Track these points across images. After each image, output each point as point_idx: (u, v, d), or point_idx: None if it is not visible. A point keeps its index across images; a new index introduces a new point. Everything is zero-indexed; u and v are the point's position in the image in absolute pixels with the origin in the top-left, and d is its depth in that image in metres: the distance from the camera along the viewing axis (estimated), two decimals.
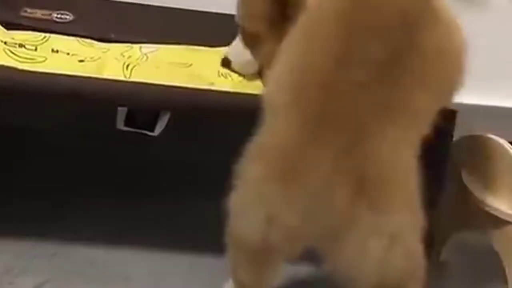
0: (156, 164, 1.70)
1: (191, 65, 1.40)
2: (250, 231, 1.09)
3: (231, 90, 1.33)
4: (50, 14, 1.55)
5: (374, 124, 1.02)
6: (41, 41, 1.41)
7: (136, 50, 1.44)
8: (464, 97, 1.90)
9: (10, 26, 1.45)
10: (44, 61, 1.34)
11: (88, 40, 1.45)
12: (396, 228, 1.05)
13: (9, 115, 1.35)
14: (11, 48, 1.35)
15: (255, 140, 1.07)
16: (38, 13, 1.55)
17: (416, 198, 1.05)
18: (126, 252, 1.41)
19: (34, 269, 1.34)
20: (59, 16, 1.55)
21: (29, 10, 1.55)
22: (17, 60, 1.32)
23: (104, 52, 1.41)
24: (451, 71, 1.13)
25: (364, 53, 1.02)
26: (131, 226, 1.47)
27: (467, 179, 1.37)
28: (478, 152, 1.36)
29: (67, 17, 1.55)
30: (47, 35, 1.43)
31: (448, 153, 1.27)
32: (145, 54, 1.43)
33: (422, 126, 1.07)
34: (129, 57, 1.40)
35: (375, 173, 1.02)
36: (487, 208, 1.33)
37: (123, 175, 1.66)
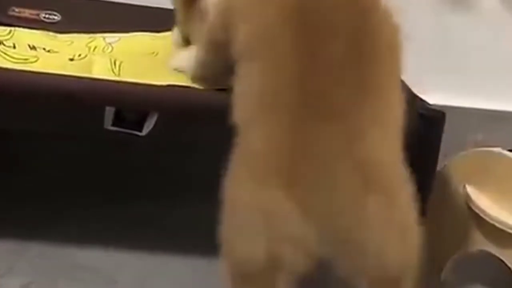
0: (144, 165, 1.69)
1: (157, 54, 1.43)
2: (252, 250, 1.00)
3: None
4: (38, 14, 1.54)
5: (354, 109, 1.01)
6: (9, 36, 1.41)
7: (99, 40, 1.45)
8: (456, 100, 1.92)
9: None
10: (36, 60, 1.33)
11: (52, 33, 1.45)
12: (403, 218, 1.04)
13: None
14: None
15: (239, 149, 1.03)
16: (27, 13, 1.54)
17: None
18: (114, 254, 1.40)
19: (20, 270, 1.33)
20: (47, 16, 1.54)
21: (17, 9, 1.55)
22: (12, 62, 1.31)
23: (68, 45, 1.41)
24: (397, 67, 1.11)
25: (328, 53, 1.01)
26: (119, 228, 1.47)
27: (473, 195, 1.34)
28: (486, 167, 1.33)
29: (55, 17, 1.55)
30: (12, 29, 1.44)
31: (436, 158, 1.26)
32: (109, 43, 1.44)
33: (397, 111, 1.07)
34: (95, 47, 1.41)
35: (373, 158, 1.00)
36: (498, 225, 1.30)
37: (110, 176, 1.65)
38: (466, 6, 1.92)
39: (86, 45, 1.45)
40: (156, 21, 1.57)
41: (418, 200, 1.25)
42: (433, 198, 1.29)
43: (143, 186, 1.63)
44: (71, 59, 1.37)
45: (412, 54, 1.89)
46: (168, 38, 1.50)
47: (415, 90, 1.40)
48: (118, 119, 1.26)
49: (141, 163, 1.71)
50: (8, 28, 1.44)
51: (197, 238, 1.45)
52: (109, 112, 1.24)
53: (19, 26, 1.46)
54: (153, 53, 1.44)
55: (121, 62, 1.36)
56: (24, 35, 1.43)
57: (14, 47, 1.39)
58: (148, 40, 1.51)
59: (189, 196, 1.60)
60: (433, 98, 1.42)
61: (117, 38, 1.48)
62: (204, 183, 1.66)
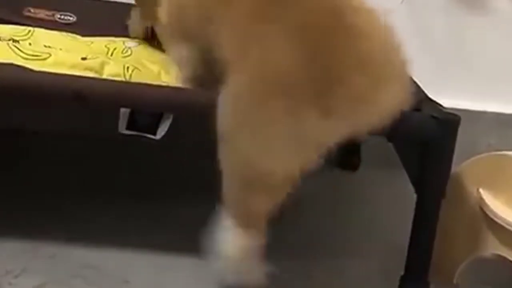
0: (156, 163, 1.70)
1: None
2: (282, 165, 1.10)
3: None
4: (54, 15, 1.55)
5: None
6: (27, 36, 1.42)
7: (119, 43, 1.45)
8: (469, 103, 1.91)
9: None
10: (48, 57, 1.34)
11: (72, 34, 1.46)
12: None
13: (9, 116, 1.34)
14: (10, 44, 1.35)
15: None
16: (42, 13, 1.55)
17: None
18: (126, 255, 1.40)
19: (33, 270, 1.34)
20: (62, 16, 1.55)
21: (32, 10, 1.55)
22: (23, 58, 1.31)
23: (87, 45, 1.42)
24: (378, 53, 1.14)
25: None
26: (132, 228, 1.47)
27: (487, 198, 1.33)
28: (500, 170, 1.33)
29: (70, 18, 1.55)
30: (31, 29, 1.44)
31: (450, 162, 1.25)
32: (129, 47, 1.44)
33: None
34: (114, 49, 1.41)
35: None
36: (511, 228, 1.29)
37: (122, 175, 1.65)
38: (480, 8, 1.91)
39: (105, 46, 1.45)
40: None
41: (432, 204, 1.26)
42: (447, 202, 1.29)
43: (155, 185, 1.63)
44: (84, 58, 1.37)
45: (425, 56, 1.91)
46: None
47: (429, 93, 1.40)
48: (132, 123, 1.26)
49: (153, 162, 1.71)
50: (28, 28, 1.44)
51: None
52: (124, 116, 1.24)
53: (36, 27, 1.46)
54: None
55: (134, 68, 1.36)
56: (42, 36, 1.44)
57: (30, 44, 1.39)
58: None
59: (204, 197, 1.60)
60: (447, 100, 1.42)
61: (137, 43, 1.48)
62: (213, 184, 1.68)
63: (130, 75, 1.35)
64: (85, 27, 1.51)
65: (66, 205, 1.51)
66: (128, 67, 1.36)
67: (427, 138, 1.24)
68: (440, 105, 1.32)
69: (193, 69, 1.29)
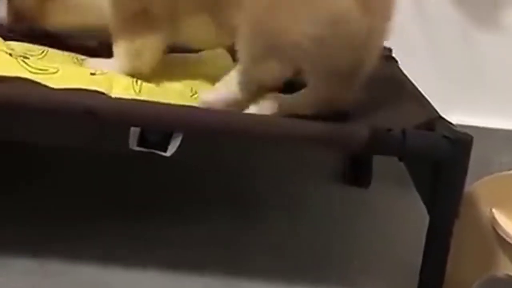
0: (168, 185, 1.69)
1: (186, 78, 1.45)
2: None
3: None
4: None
5: None
6: (40, 55, 1.42)
7: None
8: (481, 120, 1.90)
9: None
10: (57, 72, 1.33)
11: (84, 56, 1.46)
12: None
13: (20, 132, 1.34)
14: (19, 59, 1.35)
15: None
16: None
17: None
18: (136, 273, 1.39)
19: None
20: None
21: None
22: (30, 72, 1.31)
23: None
24: None
25: None
26: (141, 247, 1.46)
27: (500, 218, 1.32)
28: None
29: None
30: (45, 48, 1.44)
31: (463, 183, 1.24)
32: None
33: None
34: None
35: None
36: None
37: (134, 195, 1.65)
38: (493, 24, 1.91)
39: None
40: None
41: (445, 224, 1.25)
42: (459, 221, 1.28)
43: (167, 205, 1.63)
44: (93, 74, 1.37)
45: (437, 72, 1.90)
46: (208, 63, 1.51)
47: (439, 110, 1.39)
48: (143, 140, 1.26)
49: (162, 177, 1.71)
50: (42, 48, 1.45)
51: (221, 257, 1.45)
52: (134, 133, 1.24)
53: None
54: (184, 77, 1.44)
55: (143, 81, 1.37)
56: (56, 57, 1.44)
57: (39, 60, 1.39)
58: (181, 61, 1.50)
59: (214, 216, 1.60)
60: (458, 117, 1.41)
61: None
62: (222, 201, 1.67)
63: (140, 89, 1.35)
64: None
65: (77, 223, 1.51)
66: (137, 80, 1.37)
67: (439, 159, 1.23)
68: (453, 125, 1.31)
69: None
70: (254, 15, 1.28)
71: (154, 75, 1.43)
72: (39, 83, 1.28)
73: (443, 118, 1.34)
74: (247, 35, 1.30)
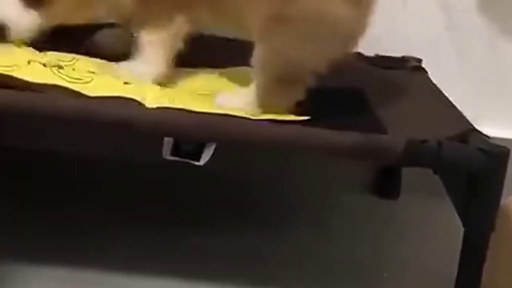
0: (198, 196, 1.69)
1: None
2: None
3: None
4: None
5: None
6: (71, 62, 1.43)
7: None
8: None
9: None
10: (91, 81, 1.34)
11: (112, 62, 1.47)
12: None
13: (53, 141, 1.35)
14: (54, 70, 1.36)
15: None
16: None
17: None
18: (162, 283, 1.39)
19: None
20: None
21: None
22: (66, 80, 1.32)
23: None
24: None
25: None
26: (170, 256, 1.46)
27: None
28: None
29: None
30: (76, 56, 1.45)
31: (499, 196, 1.23)
32: None
33: None
34: None
35: None
36: None
37: (166, 206, 1.66)
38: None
39: None
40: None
41: (481, 238, 1.24)
42: (495, 234, 1.27)
43: (198, 216, 1.63)
44: (126, 83, 1.37)
45: (468, 84, 1.89)
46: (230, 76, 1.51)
47: (474, 123, 1.38)
48: (177, 149, 1.26)
49: (198, 193, 1.71)
50: (72, 55, 1.45)
51: (248, 269, 1.44)
52: (168, 143, 1.24)
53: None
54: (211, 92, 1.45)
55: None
56: (86, 63, 1.44)
57: (73, 70, 1.40)
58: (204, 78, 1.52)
59: (243, 226, 1.60)
60: (491, 130, 1.40)
61: None
62: (250, 211, 1.67)
63: (173, 99, 1.35)
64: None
65: (107, 232, 1.51)
66: (167, 89, 1.37)
67: (476, 172, 1.22)
68: (487, 137, 1.30)
69: None
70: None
71: (180, 86, 1.44)
72: (77, 92, 1.29)
73: (477, 130, 1.33)
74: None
